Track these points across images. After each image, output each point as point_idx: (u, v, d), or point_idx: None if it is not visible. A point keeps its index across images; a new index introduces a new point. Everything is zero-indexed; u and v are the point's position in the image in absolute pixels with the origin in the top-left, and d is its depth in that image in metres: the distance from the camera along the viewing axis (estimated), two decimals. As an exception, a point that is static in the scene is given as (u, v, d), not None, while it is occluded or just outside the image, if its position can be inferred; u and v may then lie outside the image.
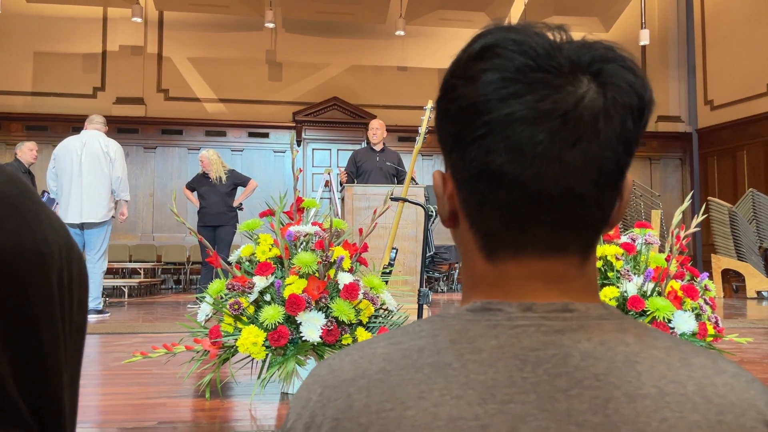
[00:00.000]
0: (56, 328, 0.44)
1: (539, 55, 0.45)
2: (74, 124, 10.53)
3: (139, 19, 10.59)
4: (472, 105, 0.46)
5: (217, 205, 6.86)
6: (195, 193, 7.09)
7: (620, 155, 0.46)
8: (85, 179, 5.77)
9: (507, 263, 0.48)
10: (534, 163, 0.44)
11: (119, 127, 10.87)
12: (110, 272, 9.82)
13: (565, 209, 0.46)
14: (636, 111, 0.46)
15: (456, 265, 11.05)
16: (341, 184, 6.18)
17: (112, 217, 5.94)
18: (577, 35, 0.49)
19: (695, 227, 2.74)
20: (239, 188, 7.14)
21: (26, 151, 7.02)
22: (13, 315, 0.41)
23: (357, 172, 6.13)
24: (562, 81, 0.45)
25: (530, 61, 0.45)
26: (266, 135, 11.82)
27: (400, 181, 5.97)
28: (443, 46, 12.34)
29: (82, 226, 5.78)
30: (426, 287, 3.13)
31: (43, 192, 7.40)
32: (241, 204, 7.06)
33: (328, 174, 10.13)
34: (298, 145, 11.83)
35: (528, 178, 0.45)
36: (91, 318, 5.59)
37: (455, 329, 0.46)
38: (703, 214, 2.83)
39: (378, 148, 6.20)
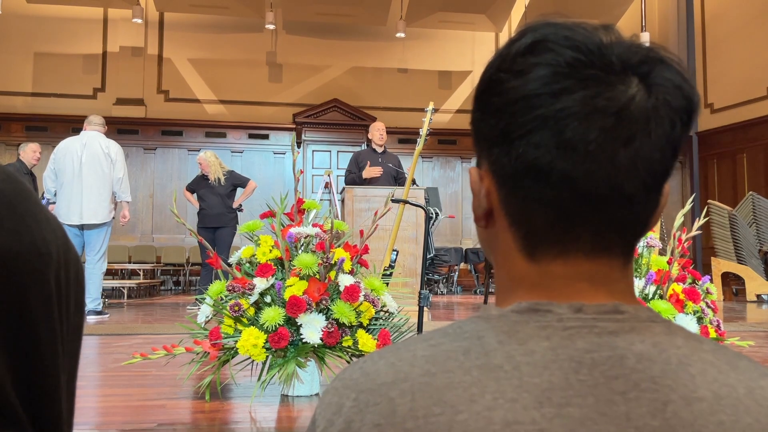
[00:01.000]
0: (54, 330, 0.44)
1: (591, 51, 0.44)
2: (74, 124, 10.53)
3: (139, 20, 10.60)
4: (522, 98, 0.45)
5: (217, 206, 6.86)
6: (195, 194, 7.10)
7: (668, 157, 0.46)
8: (86, 180, 5.76)
9: (551, 263, 0.47)
10: (586, 161, 0.44)
11: (119, 128, 10.87)
12: (109, 273, 9.81)
13: (613, 209, 0.45)
14: (684, 114, 0.46)
15: (455, 267, 11.04)
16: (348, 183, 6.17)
17: (113, 218, 5.93)
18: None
19: (696, 230, 2.74)
20: (238, 189, 7.13)
21: (29, 152, 7.01)
22: (11, 316, 0.41)
23: (360, 172, 6.13)
24: (614, 79, 0.44)
25: (582, 57, 0.44)
26: (266, 136, 11.82)
27: (400, 184, 5.97)
28: (443, 48, 12.35)
29: (81, 227, 5.77)
30: (426, 289, 3.12)
31: (43, 194, 7.40)
32: (240, 205, 7.06)
33: (328, 175, 10.13)
34: (298, 147, 11.83)
35: (579, 175, 0.44)
36: (91, 319, 5.57)
37: (502, 330, 0.45)
38: (704, 218, 2.83)
39: (380, 149, 6.21)
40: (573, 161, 0.44)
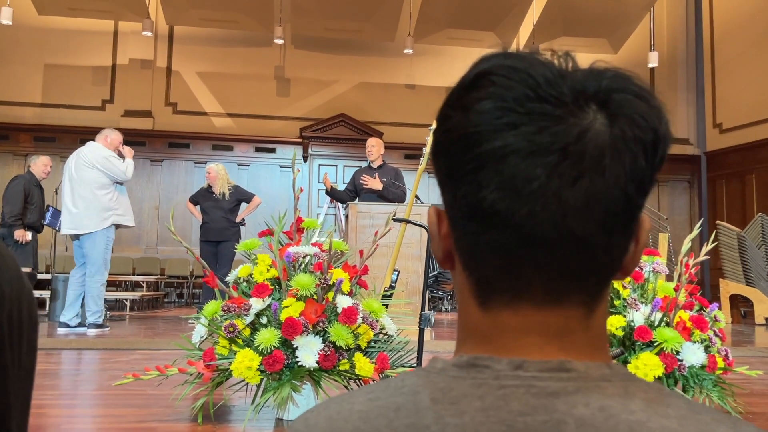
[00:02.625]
0: (6, 374, 0.41)
1: (539, 84, 0.41)
2: (82, 136, 10.56)
3: (149, 33, 10.66)
4: (463, 136, 0.42)
5: (219, 220, 6.83)
6: (198, 207, 7.06)
7: (630, 195, 0.41)
8: (75, 190, 5.71)
9: (501, 312, 0.43)
10: (528, 201, 0.40)
11: (126, 140, 10.82)
12: (112, 285, 9.80)
13: (565, 254, 0.41)
14: (650, 146, 0.41)
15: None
16: (332, 194, 6.16)
17: (109, 227, 5.70)
18: (586, 57, 0.44)
19: (704, 255, 2.67)
20: (242, 204, 7.11)
21: (40, 165, 7.00)
22: None
23: (356, 191, 6.13)
24: (564, 112, 0.40)
25: (528, 91, 0.40)
26: (273, 150, 11.83)
27: (390, 193, 5.94)
28: (451, 64, 12.36)
29: (78, 237, 5.72)
30: (429, 309, 3.07)
31: (48, 206, 7.38)
32: (243, 220, 7.03)
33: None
34: (305, 161, 11.83)
35: (522, 217, 0.40)
36: (91, 332, 5.52)
37: (438, 387, 0.42)
38: (713, 242, 2.76)
39: (375, 165, 6.20)
40: (516, 202, 0.40)
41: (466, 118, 0.42)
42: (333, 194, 6.19)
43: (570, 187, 0.40)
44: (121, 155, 5.99)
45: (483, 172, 0.41)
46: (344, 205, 6.07)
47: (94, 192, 5.66)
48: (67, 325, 5.63)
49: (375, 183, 5.88)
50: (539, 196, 0.40)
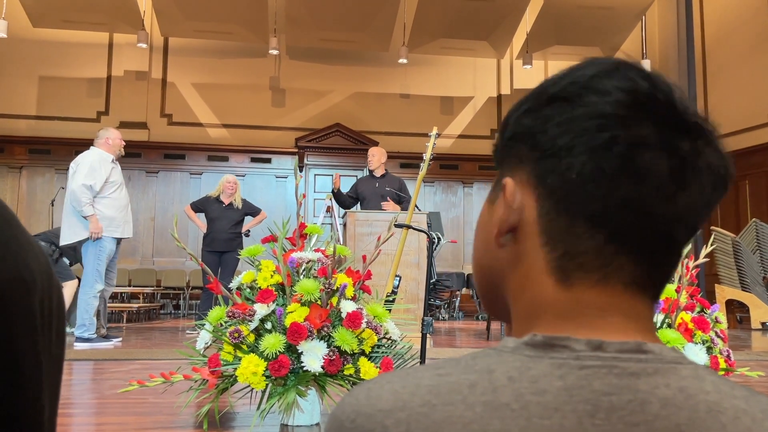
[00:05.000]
0: (39, 362, 0.42)
1: (662, 90, 0.45)
2: (77, 148, 10.54)
3: (144, 45, 10.69)
4: (599, 116, 0.44)
5: (228, 231, 6.85)
6: (203, 215, 7.04)
7: (704, 214, 0.46)
8: (65, 200, 5.67)
9: (587, 291, 0.44)
10: (651, 192, 0.43)
11: (122, 151, 10.89)
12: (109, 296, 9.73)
13: (661, 245, 0.45)
14: (722, 181, 0.47)
15: (457, 292, 10.97)
16: (337, 196, 6.16)
17: (94, 236, 5.48)
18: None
19: (704, 258, 2.70)
20: (246, 217, 7.14)
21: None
22: None
23: (357, 199, 6.15)
24: (680, 124, 0.45)
25: (657, 94, 0.45)
26: (268, 160, 11.84)
27: (404, 207, 5.96)
28: (445, 73, 12.43)
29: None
30: (429, 316, 3.07)
31: None
32: (248, 230, 7.06)
33: (330, 200, 10.12)
34: (300, 171, 11.85)
35: (643, 204, 0.44)
36: (77, 346, 5.28)
37: (513, 366, 0.42)
38: (711, 245, 2.79)
39: (378, 174, 6.22)
40: (639, 189, 0.43)
41: (602, 100, 0.44)
42: (338, 196, 6.21)
43: (683, 191, 0.44)
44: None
45: (611, 153, 0.43)
46: (341, 214, 6.09)
47: (71, 202, 5.51)
48: (78, 338, 5.49)
49: (393, 207, 5.87)
50: (660, 191, 0.43)
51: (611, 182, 0.43)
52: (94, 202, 5.52)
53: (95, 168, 5.55)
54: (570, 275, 0.45)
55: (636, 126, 0.43)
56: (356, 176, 10.04)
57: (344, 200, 6.16)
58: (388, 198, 5.98)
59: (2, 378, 0.39)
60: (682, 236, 0.46)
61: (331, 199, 10.04)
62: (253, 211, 7.16)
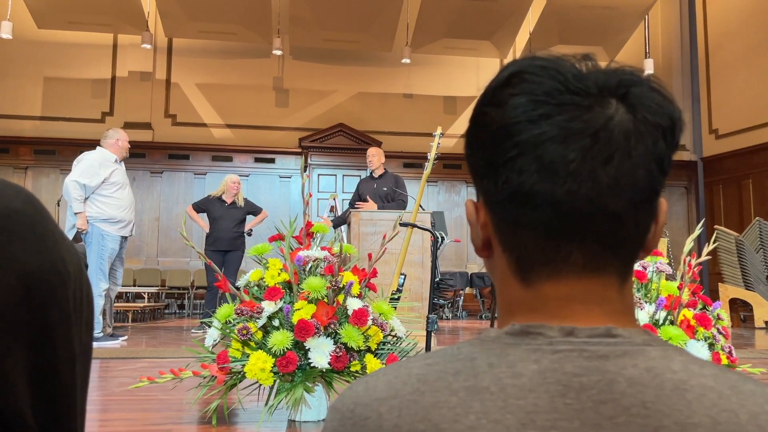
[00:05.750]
0: (72, 349, 0.44)
1: (567, 79, 0.46)
2: (82, 148, 10.53)
3: (148, 46, 10.73)
4: (502, 128, 0.46)
5: (231, 230, 6.87)
6: (205, 215, 7.07)
7: (653, 173, 0.46)
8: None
9: (543, 285, 0.47)
10: (567, 182, 0.45)
11: (126, 152, 10.93)
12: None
13: (601, 227, 0.46)
14: (668, 130, 0.47)
15: (461, 291, 10.99)
16: (337, 224, 6.17)
17: (87, 232, 5.53)
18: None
19: (706, 255, 2.72)
20: (248, 216, 7.18)
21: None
22: (33, 334, 0.41)
23: (360, 201, 6.17)
24: (591, 102, 0.45)
25: (558, 85, 0.46)
26: (272, 160, 11.87)
27: (393, 200, 5.98)
28: (448, 73, 12.45)
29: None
30: (433, 314, 3.10)
31: None
32: (251, 230, 7.09)
33: (334, 199, 10.16)
34: (304, 171, 11.87)
35: (561, 196, 0.45)
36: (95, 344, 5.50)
37: (494, 353, 0.46)
38: (713, 242, 2.81)
39: (377, 174, 6.25)
40: (555, 183, 0.45)
41: (502, 112, 0.47)
42: (338, 222, 6.24)
43: (602, 167, 0.45)
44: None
45: (522, 158, 0.46)
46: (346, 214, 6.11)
47: (63, 195, 5.60)
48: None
49: (369, 206, 5.89)
50: (576, 176, 0.45)
51: (531, 186, 0.45)
52: (96, 201, 5.60)
53: (95, 168, 5.61)
54: (527, 275, 0.48)
55: (537, 125, 0.45)
56: (359, 176, 10.07)
57: (344, 217, 6.17)
58: (368, 198, 6.00)
59: (41, 363, 0.42)
60: (621, 206, 0.46)
61: (334, 199, 10.09)
62: (254, 210, 7.19)
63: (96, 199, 5.61)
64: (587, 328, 0.45)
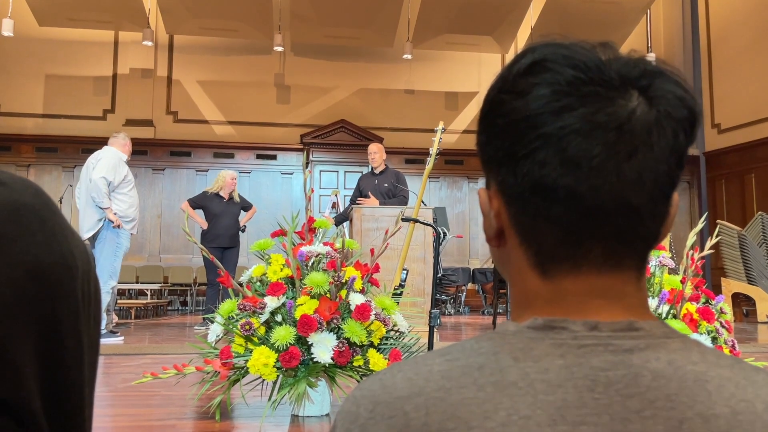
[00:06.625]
0: (80, 342, 0.44)
1: (590, 68, 0.45)
2: (84, 146, 10.61)
3: (149, 43, 10.73)
4: (524, 118, 0.45)
5: (231, 226, 6.86)
6: (202, 212, 7.05)
7: (673, 168, 0.46)
8: (81, 194, 5.76)
9: (563, 279, 0.47)
10: (590, 176, 0.44)
11: (128, 149, 10.93)
12: (116, 293, 9.80)
13: (622, 222, 0.45)
14: (687, 123, 0.46)
15: (463, 287, 10.99)
16: (339, 220, 6.17)
17: (109, 228, 5.57)
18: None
19: (709, 250, 2.72)
20: (242, 211, 7.18)
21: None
22: (42, 327, 0.41)
23: (361, 197, 6.17)
24: (614, 94, 0.45)
25: (581, 75, 0.45)
26: (274, 157, 11.87)
27: (395, 196, 5.99)
28: (450, 69, 12.43)
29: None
30: (436, 309, 3.10)
31: None
32: (244, 226, 7.10)
33: (335, 195, 10.16)
34: (306, 167, 11.88)
35: (584, 191, 0.44)
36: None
37: (517, 347, 0.45)
38: (716, 237, 2.81)
39: (378, 170, 6.26)
40: (577, 177, 0.44)
41: (524, 101, 0.45)
42: (340, 219, 6.24)
43: (627, 162, 0.44)
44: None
45: (544, 151, 0.45)
46: (349, 210, 6.11)
47: (90, 192, 5.62)
48: None
49: (371, 202, 5.89)
50: (600, 171, 0.44)
51: (553, 180, 0.45)
52: (113, 199, 5.67)
53: (116, 165, 5.73)
54: (547, 268, 0.47)
55: (560, 117, 0.44)
56: (361, 172, 10.07)
57: (347, 213, 6.17)
58: (369, 194, 6.01)
59: (49, 356, 0.42)
60: (643, 200, 0.45)
61: (336, 195, 10.10)
62: (247, 205, 7.19)
63: (113, 197, 5.68)
64: (610, 322, 0.45)
